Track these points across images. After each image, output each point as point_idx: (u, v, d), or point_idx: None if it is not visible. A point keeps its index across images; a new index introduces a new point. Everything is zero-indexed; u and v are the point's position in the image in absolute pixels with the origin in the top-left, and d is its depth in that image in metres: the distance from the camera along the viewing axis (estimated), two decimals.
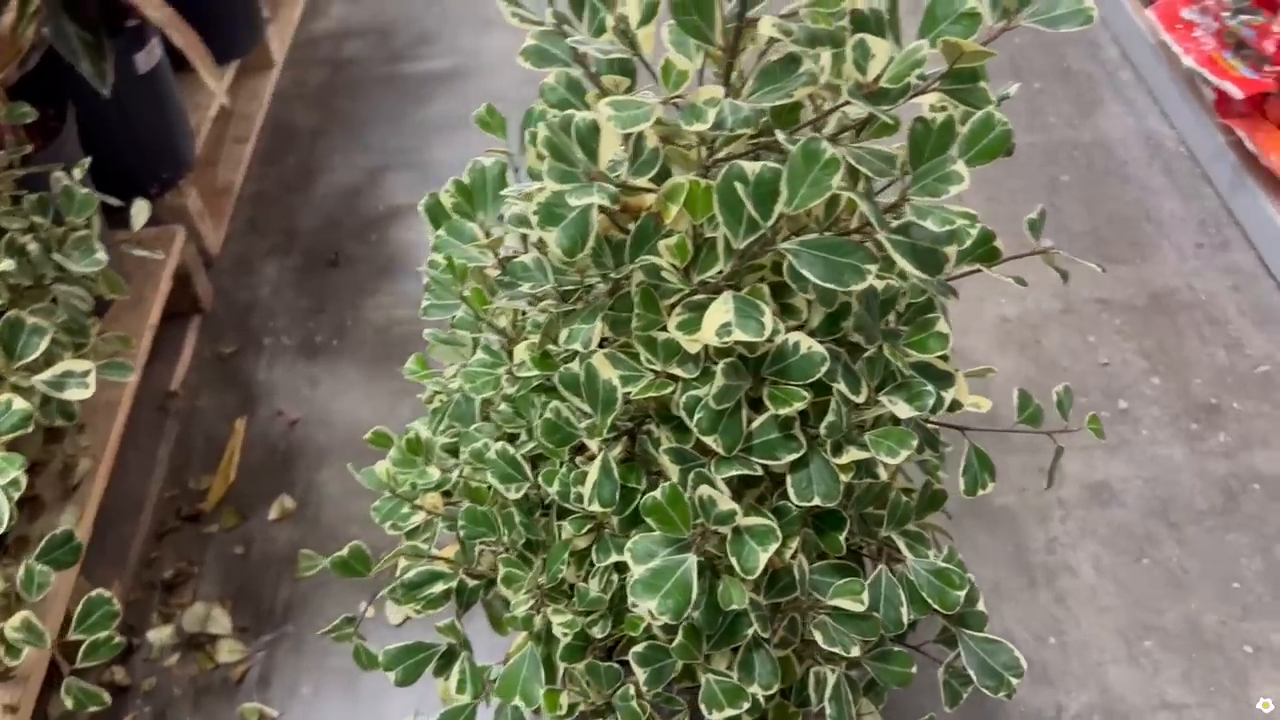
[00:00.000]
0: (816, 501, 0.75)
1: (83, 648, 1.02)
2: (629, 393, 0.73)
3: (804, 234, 0.70)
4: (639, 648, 0.79)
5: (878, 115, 0.70)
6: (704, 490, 0.69)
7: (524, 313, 0.90)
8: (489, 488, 0.89)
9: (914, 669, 0.90)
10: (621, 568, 0.81)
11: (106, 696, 1.05)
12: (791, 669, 0.88)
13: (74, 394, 1.09)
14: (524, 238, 0.87)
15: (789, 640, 0.86)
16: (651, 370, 0.74)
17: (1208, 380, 1.69)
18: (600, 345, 0.77)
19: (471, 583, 0.86)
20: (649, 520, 0.69)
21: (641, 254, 0.72)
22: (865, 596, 0.77)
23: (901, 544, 0.88)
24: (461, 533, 0.84)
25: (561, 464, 0.79)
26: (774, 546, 0.69)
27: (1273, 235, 1.81)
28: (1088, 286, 1.84)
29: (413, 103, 2.41)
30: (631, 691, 0.79)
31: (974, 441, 0.91)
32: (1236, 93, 1.83)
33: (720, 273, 0.71)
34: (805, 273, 0.64)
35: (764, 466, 0.76)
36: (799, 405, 0.70)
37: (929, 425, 0.89)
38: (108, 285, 1.33)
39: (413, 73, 2.50)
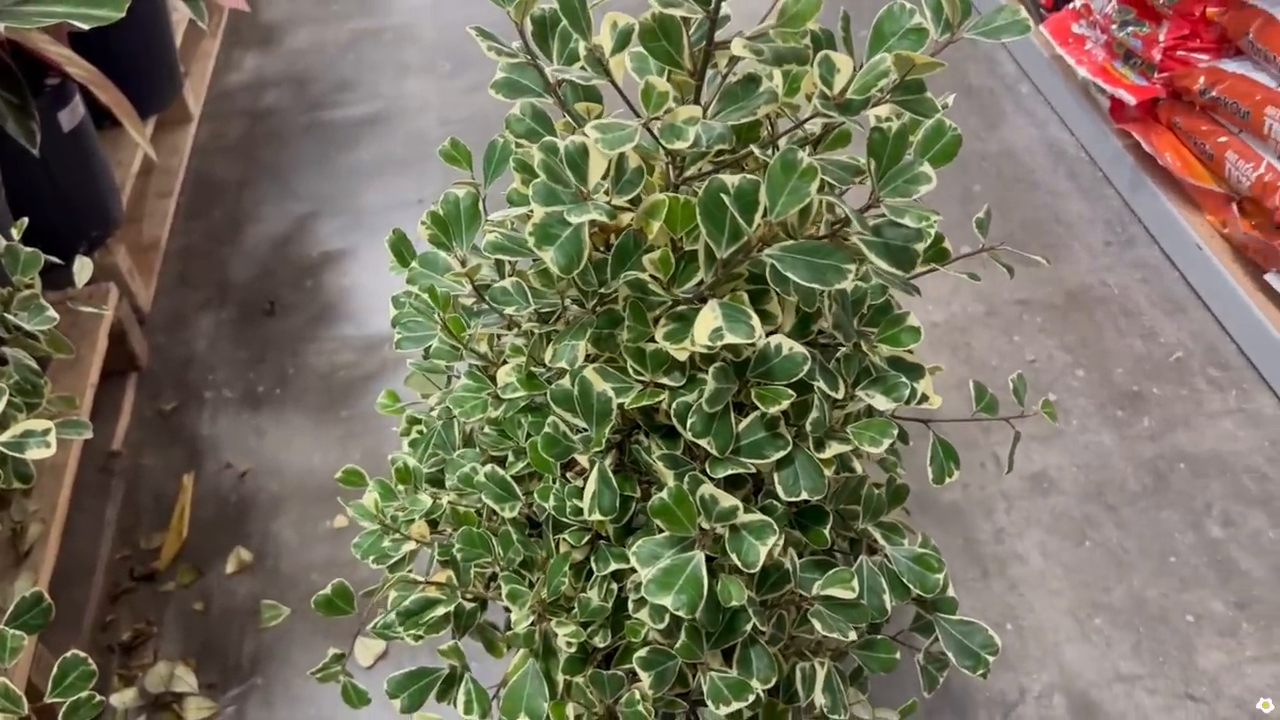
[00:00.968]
0: (804, 496, 0.79)
1: (63, 710, 0.99)
2: (622, 404, 0.75)
3: (775, 244, 0.74)
4: (642, 652, 0.81)
5: (843, 126, 0.75)
6: (706, 490, 0.72)
7: (500, 337, 0.92)
8: (478, 511, 0.91)
9: (898, 654, 0.94)
10: (619, 576, 0.84)
11: None
12: (780, 667, 0.91)
13: (35, 454, 1.07)
14: (499, 264, 0.89)
15: (777, 637, 0.89)
16: (640, 381, 0.77)
17: (1128, 369, 1.78)
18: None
19: (469, 605, 0.87)
20: (658, 521, 0.71)
21: (625, 269, 0.75)
22: (855, 584, 0.81)
23: (878, 535, 0.92)
24: (458, 555, 0.85)
25: (555, 480, 0.82)
26: (772, 539, 0.72)
27: (1173, 229, 1.93)
28: (1008, 289, 1.93)
29: (337, 149, 2.41)
30: (637, 696, 0.81)
31: (937, 433, 0.96)
32: (1130, 99, 1.95)
33: (701, 283, 0.74)
34: (790, 275, 0.67)
35: (750, 467, 0.79)
36: (786, 403, 0.74)
37: (895, 420, 0.94)
38: (53, 345, 1.31)
39: (334, 120, 2.50)
